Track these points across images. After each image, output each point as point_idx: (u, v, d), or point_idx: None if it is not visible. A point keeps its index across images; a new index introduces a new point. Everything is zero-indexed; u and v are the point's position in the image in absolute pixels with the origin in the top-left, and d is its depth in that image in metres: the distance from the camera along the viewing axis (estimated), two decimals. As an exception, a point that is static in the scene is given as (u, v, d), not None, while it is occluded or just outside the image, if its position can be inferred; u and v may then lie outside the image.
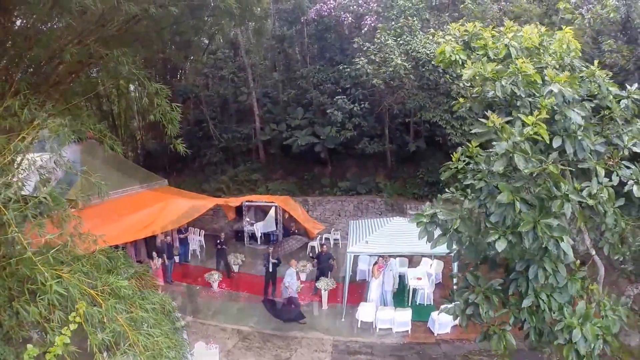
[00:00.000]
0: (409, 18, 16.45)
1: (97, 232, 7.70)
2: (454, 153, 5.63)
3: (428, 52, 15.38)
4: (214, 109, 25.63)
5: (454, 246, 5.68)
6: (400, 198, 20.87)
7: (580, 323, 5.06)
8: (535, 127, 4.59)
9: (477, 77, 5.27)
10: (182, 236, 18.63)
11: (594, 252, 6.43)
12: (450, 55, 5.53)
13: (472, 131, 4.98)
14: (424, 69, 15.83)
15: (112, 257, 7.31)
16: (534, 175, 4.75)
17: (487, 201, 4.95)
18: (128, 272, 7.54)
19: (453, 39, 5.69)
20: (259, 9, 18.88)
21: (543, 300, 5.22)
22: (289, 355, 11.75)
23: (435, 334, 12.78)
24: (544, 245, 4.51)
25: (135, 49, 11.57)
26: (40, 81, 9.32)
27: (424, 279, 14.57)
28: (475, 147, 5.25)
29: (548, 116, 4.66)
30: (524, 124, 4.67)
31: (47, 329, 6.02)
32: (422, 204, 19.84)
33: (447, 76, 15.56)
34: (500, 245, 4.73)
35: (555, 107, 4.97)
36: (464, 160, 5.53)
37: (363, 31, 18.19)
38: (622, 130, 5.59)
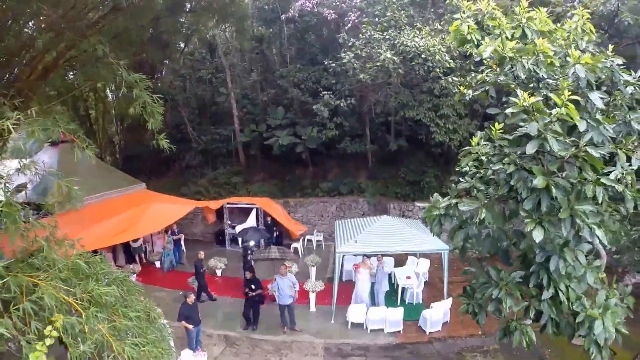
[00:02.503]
0: (396, 12, 16.27)
1: (73, 238, 7.14)
2: (473, 138, 5.26)
3: (417, 45, 15.21)
4: (192, 110, 25.14)
5: (460, 240, 5.35)
6: (383, 198, 20.75)
7: (601, 314, 4.84)
8: (566, 107, 4.27)
9: (491, 58, 4.98)
10: (175, 238, 18.15)
11: (597, 241, 6.26)
12: (466, 34, 5.16)
13: (506, 111, 4.54)
14: (412, 63, 15.62)
15: (90, 262, 6.73)
16: (566, 158, 4.40)
17: (519, 186, 4.54)
18: (108, 278, 6.98)
19: (464, 19, 5.33)
20: (238, 8, 18.53)
21: (562, 291, 4.95)
22: (279, 359, 11.29)
23: (427, 333, 12.63)
24: (580, 233, 4.22)
25: (114, 47, 10.99)
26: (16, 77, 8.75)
27: (412, 278, 14.37)
28: (499, 130, 4.86)
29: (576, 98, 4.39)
30: (550, 106, 4.38)
31: (22, 342, 5.44)
32: (405, 203, 19.84)
33: (438, 70, 15.41)
34: (538, 235, 4.35)
35: (574, 90, 4.70)
36: (484, 145, 5.16)
37: (347, 27, 17.96)
38: (630, 116, 5.42)
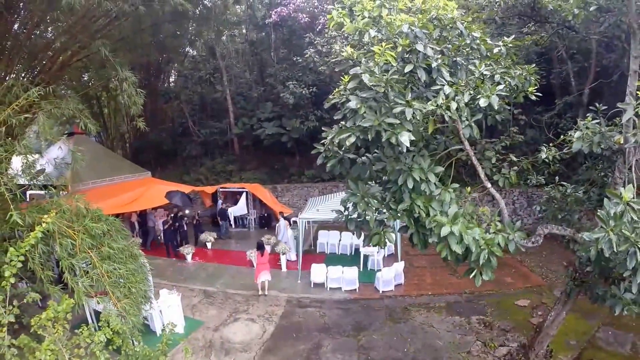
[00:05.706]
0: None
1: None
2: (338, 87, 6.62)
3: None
4: (193, 107, 27.73)
5: (336, 166, 7.03)
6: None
7: (450, 222, 5.88)
8: (384, 55, 5.80)
9: (354, 32, 6.76)
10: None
11: (489, 185, 7.28)
12: (336, 17, 6.71)
13: (333, 61, 6.45)
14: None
15: (88, 207, 9.08)
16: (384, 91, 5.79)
17: (347, 113, 5.96)
18: (100, 218, 9.25)
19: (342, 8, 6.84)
20: (234, 17, 20.91)
21: (419, 205, 6.11)
22: (246, 308, 13.52)
23: (380, 291, 14.43)
24: (385, 139, 5.57)
25: (120, 50, 13.16)
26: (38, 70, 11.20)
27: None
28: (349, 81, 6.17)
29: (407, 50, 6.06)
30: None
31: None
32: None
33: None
34: (350, 140, 5.78)
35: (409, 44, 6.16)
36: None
37: (317, 29, 20.28)
38: (477, 64, 6.59)
